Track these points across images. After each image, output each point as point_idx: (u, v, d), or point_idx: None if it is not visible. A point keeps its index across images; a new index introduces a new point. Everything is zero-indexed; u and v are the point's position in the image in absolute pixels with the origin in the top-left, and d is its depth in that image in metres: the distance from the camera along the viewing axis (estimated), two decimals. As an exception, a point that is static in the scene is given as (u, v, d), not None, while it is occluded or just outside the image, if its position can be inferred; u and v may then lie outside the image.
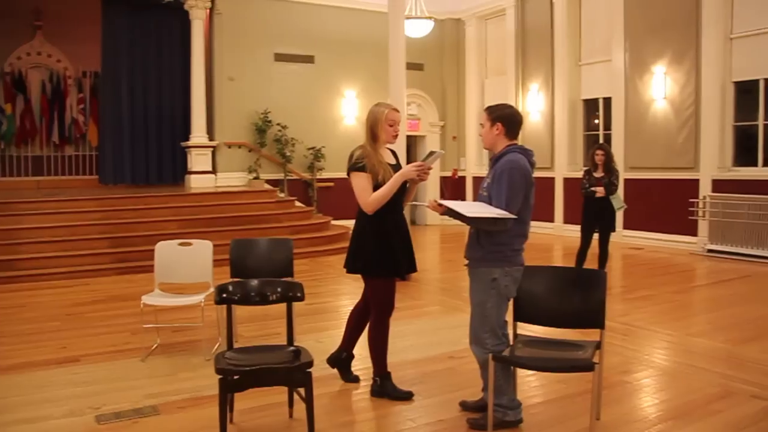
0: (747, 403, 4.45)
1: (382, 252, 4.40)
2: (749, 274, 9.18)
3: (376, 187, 4.34)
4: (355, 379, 4.89)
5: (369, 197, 4.35)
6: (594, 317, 3.85)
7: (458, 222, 4.00)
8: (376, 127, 4.44)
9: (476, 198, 4.05)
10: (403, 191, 4.50)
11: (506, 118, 3.97)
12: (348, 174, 4.43)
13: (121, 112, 13.67)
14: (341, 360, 4.91)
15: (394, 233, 4.45)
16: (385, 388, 4.54)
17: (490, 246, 3.88)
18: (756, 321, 6.68)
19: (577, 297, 3.95)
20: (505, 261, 3.89)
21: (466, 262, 4.04)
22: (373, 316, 4.56)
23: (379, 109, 4.47)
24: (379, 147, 4.47)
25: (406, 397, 4.50)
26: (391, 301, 4.53)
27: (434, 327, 6.46)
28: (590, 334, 4.08)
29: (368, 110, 4.57)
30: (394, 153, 4.67)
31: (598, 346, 3.87)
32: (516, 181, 3.82)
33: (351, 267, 4.56)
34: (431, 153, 4.36)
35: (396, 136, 4.51)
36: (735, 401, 4.49)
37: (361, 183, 4.38)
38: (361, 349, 5.82)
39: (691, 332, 6.18)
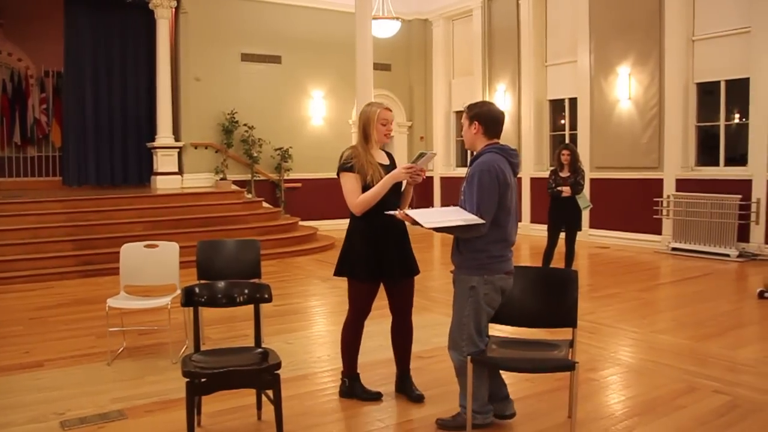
0: (710, 398, 4.53)
1: (369, 255, 4.28)
2: (711, 272, 9.34)
3: (366, 188, 4.24)
4: (419, 398, 4.49)
5: (357, 199, 4.26)
6: (566, 316, 3.88)
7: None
8: (368, 126, 4.35)
9: (457, 201, 3.95)
10: (397, 193, 4.37)
11: (484, 116, 3.88)
12: (337, 174, 4.34)
13: (85, 113, 13.48)
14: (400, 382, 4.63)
15: (384, 236, 4.29)
16: (353, 389, 4.52)
17: (468, 253, 3.80)
18: (718, 318, 6.80)
19: (550, 296, 3.97)
20: (483, 269, 3.76)
21: (452, 267, 3.98)
22: (348, 316, 4.50)
23: (371, 109, 4.38)
24: (371, 147, 4.36)
25: (375, 397, 4.48)
26: (366, 307, 4.44)
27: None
28: (557, 333, 4.12)
29: (360, 111, 4.47)
30: (389, 154, 4.55)
31: (571, 344, 3.91)
32: (486, 184, 3.69)
33: (338, 270, 4.42)
34: (421, 154, 4.21)
35: (388, 135, 4.42)
36: (699, 396, 4.57)
37: (349, 184, 4.29)
38: (329, 348, 5.81)
39: (656, 329, 6.27)
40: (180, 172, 13.48)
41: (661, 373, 5.01)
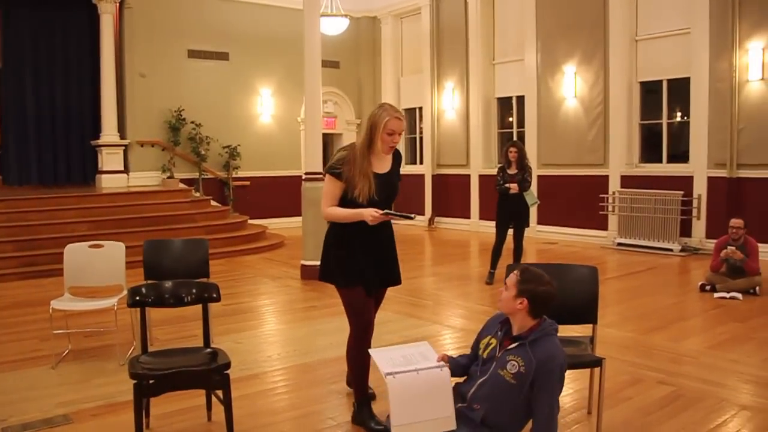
0: (654, 389, 4.64)
1: (343, 260, 4.00)
2: (655, 266, 9.56)
3: (350, 201, 3.91)
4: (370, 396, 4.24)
5: (329, 207, 3.96)
6: (587, 312, 3.89)
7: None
8: (373, 132, 3.94)
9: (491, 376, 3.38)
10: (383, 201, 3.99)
11: (538, 298, 3.30)
12: (324, 172, 4.04)
13: (25, 110, 13.08)
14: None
15: (358, 242, 3.98)
16: (362, 416, 4.06)
17: None
18: (661, 311, 6.97)
19: (570, 293, 3.88)
20: None
21: None
22: (349, 333, 4.13)
23: (381, 114, 3.95)
24: (372, 154, 3.97)
25: (383, 430, 3.87)
26: (363, 314, 4.05)
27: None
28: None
29: (371, 112, 4.04)
30: (395, 155, 4.14)
31: (592, 340, 3.94)
32: (561, 379, 3.29)
33: (321, 274, 4.13)
34: (403, 215, 3.90)
35: (393, 147, 4.02)
36: (643, 387, 4.68)
37: (329, 188, 3.97)
38: (280, 347, 5.78)
39: (602, 323, 6.35)
40: (126, 170, 13.21)
41: (607, 366, 5.09)
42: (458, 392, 3.46)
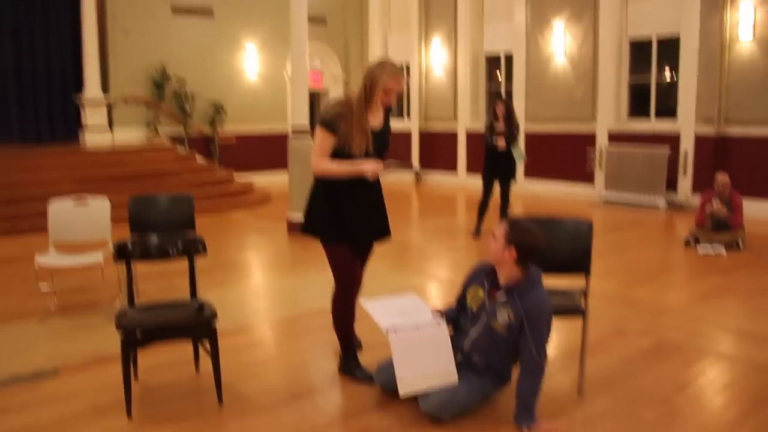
0: (637, 339, 4.71)
1: (330, 216, 3.92)
2: (642, 221, 9.63)
3: (345, 156, 3.83)
4: (357, 345, 4.31)
5: (320, 162, 3.85)
6: (580, 262, 3.91)
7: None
8: (372, 89, 3.84)
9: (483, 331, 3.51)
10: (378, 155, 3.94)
11: (525, 248, 3.41)
12: (317, 123, 3.91)
13: (5, 66, 12.81)
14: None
15: (346, 197, 3.89)
16: (348, 367, 4.10)
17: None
18: (647, 265, 7.05)
19: (564, 243, 3.89)
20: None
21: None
22: (334, 289, 4.08)
23: (380, 74, 3.83)
24: (369, 108, 3.88)
25: (369, 380, 3.94)
26: (349, 271, 4.01)
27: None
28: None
29: (369, 68, 3.91)
30: (387, 111, 4.04)
31: (584, 292, 3.99)
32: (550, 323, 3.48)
33: (304, 227, 4.04)
34: (405, 165, 3.95)
35: (388, 104, 3.97)
36: (627, 338, 4.75)
37: (321, 141, 3.84)
38: (266, 300, 5.81)
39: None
40: (110, 127, 13.05)
41: (592, 317, 5.13)
42: (454, 345, 3.54)
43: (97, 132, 12.74)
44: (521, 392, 3.40)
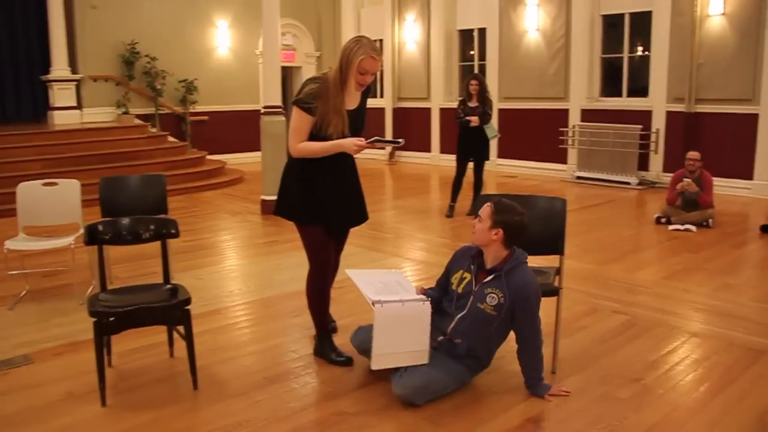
0: (609, 318, 4.77)
1: (305, 198, 3.85)
2: (613, 199, 9.71)
3: (317, 132, 3.76)
4: (332, 329, 4.31)
5: (298, 143, 3.76)
6: (554, 243, 3.93)
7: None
8: (347, 68, 3.71)
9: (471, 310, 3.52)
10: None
11: (512, 228, 3.46)
12: (292, 103, 3.80)
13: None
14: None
15: (322, 178, 3.84)
16: (323, 349, 4.08)
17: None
18: (618, 243, 7.12)
19: (538, 224, 3.89)
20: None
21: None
22: (309, 270, 4.02)
23: (356, 51, 3.69)
24: (345, 89, 3.75)
25: (344, 363, 3.97)
26: (324, 253, 3.96)
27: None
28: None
29: (345, 45, 3.78)
30: (365, 91, 3.94)
31: (558, 271, 4.01)
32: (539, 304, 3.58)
33: (276, 209, 4.00)
34: (392, 141, 3.90)
35: (364, 86, 3.83)
36: (599, 317, 4.81)
37: (298, 122, 3.75)
38: (241, 282, 5.79)
39: (561, 255, 6.51)
40: (79, 106, 12.82)
41: (565, 297, 5.18)
42: (436, 327, 3.56)
43: (65, 111, 12.51)
44: (528, 366, 3.54)
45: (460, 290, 3.57)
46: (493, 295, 3.44)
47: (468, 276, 3.56)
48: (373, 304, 3.43)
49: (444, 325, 3.58)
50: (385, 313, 3.43)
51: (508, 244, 3.47)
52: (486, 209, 3.48)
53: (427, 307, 3.52)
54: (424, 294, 3.65)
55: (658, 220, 7.84)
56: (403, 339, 3.46)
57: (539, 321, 3.52)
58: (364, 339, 3.71)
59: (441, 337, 3.57)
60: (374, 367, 3.50)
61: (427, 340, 3.50)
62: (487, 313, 3.44)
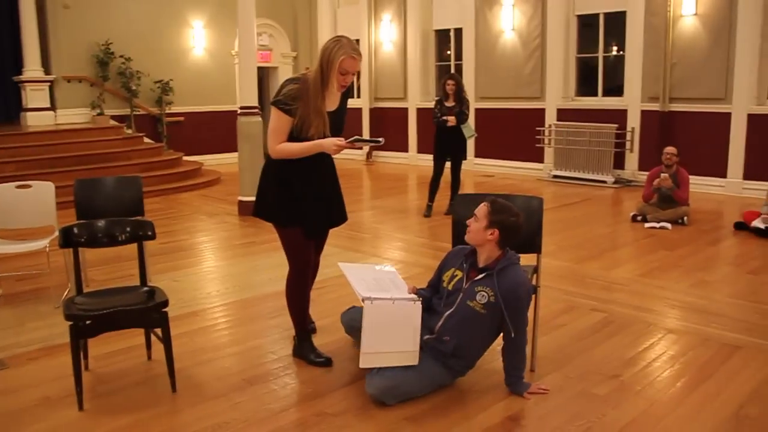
0: (587, 316, 4.81)
1: (283, 199, 3.82)
2: (590, 197, 9.79)
3: (297, 133, 3.73)
4: (311, 330, 4.30)
5: (278, 144, 3.72)
6: (531, 242, 3.94)
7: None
8: (327, 69, 3.66)
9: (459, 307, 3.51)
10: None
11: (508, 229, 3.47)
12: (271, 103, 3.77)
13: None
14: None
15: (300, 179, 3.81)
16: (302, 350, 4.07)
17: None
18: (595, 240, 7.17)
19: None
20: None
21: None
22: (288, 272, 4.00)
23: (336, 52, 3.64)
24: (326, 89, 3.71)
25: (324, 364, 3.96)
26: (303, 254, 3.93)
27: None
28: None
29: (325, 44, 3.72)
30: (345, 92, 3.90)
31: (536, 270, 4.03)
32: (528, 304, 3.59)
33: (255, 210, 3.97)
34: (372, 140, 3.86)
35: (345, 86, 3.79)
36: (577, 314, 4.84)
37: (277, 123, 3.71)
38: (219, 284, 5.76)
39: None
40: (52, 107, 12.67)
41: (543, 295, 5.21)
42: (425, 325, 3.55)
43: (38, 113, 12.36)
44: (511, 364, 3.55)
45: (450, 287, 3.57)
46: (483, 293, 3.43)
47: (459, 273, 3.57)
48: (363, 300, 3.43)
49: (432, 322, 3.57)
50: (374, 311, 3.42)
51: (502, 245, 3.48)
52: (482, 209, 3.48)
53: (417, 307, 3.51)
54: (415, 293, 3.65)
55: (634, 218, 7.92)
56: (393, 338, 3.45)
57: (527, 321, 3.53)
58: (354, 317, 3.77)
59: (428, 336, 3.56)
60: (363, 365, 3.48)
61: (417, 341, 3.50)
62: (476, 311, 3.44)
